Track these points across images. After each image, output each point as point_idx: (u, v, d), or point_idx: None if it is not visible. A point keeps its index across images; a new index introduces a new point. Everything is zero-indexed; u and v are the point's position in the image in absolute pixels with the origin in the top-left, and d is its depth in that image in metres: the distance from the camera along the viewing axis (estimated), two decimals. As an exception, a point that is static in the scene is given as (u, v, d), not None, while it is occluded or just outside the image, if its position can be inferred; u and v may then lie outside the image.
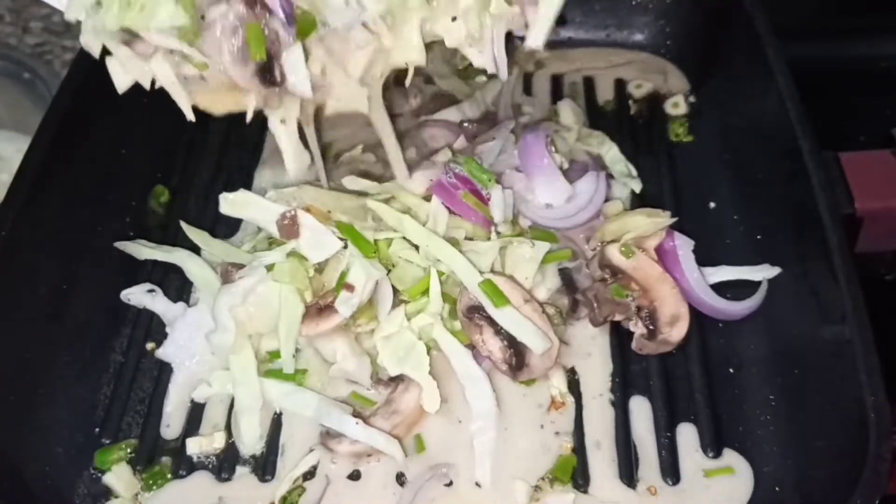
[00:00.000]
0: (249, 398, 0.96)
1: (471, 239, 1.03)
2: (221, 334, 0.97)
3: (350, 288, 0.94)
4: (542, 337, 0.95)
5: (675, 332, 1.02)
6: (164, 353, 1.03)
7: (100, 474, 0.96)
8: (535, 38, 1.00)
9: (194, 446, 0.97)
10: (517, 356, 0.97)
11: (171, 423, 1.00)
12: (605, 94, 1.35)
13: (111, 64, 0.96)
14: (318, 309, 0.97)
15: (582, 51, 1.41)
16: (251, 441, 0.96)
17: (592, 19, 1.42)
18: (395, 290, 0.99)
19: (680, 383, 1.02)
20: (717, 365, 1.03)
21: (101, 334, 1.09)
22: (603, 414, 0.99)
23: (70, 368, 1.03)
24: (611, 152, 1.20)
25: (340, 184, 1.10)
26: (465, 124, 1.21)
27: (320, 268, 1.00)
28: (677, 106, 1.32)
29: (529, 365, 0.97)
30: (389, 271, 0.99)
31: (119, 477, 0.95)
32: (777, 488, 0.92)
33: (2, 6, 1.65)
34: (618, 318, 1.04)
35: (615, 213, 1.10)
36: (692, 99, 1.33)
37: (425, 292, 0.98)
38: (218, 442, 0.97)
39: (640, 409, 0.99)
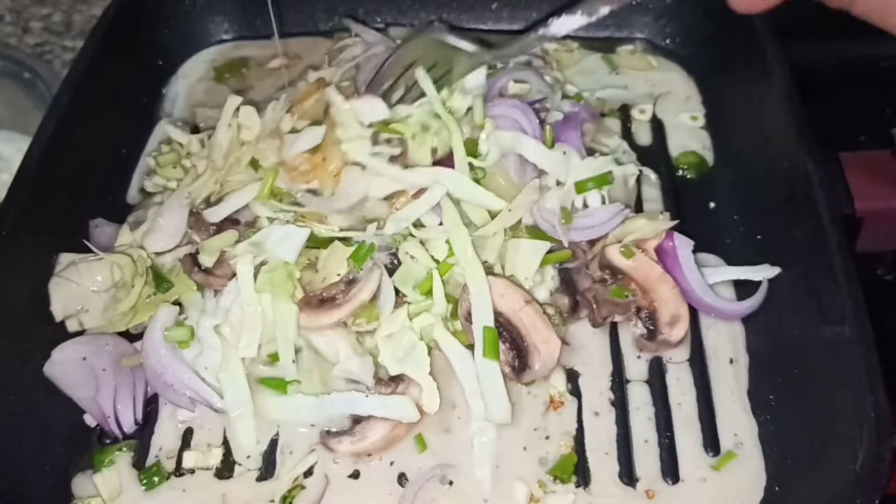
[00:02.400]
0: (241, 408, 0.96)
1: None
2: (208, 355, 0.97)
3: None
4: (503, 407, 0.94)
5: (675, 332, 1.02)
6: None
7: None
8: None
9: (190, 460, 0.96)
10: (520, 358, 0.97)
11: (164, 445, 0.98)
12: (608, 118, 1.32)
13: None
14: (320, 300, 0.96)
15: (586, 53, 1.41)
16: (250, 447, 0.96)
17: (593, 19, 1.42)
18: (397, 291, 0.99)
19: (680, 383, 1.02)
20: (717, 365, 1.03)
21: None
22: (603, 414, 0.99)
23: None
24: (621, 149, 1.20)
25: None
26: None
27: (313, 263, 1.01)
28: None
29: (532, 367, 0.97)
30: (392, 272, 0.99)
31: (106, 480, 0.94)
32: (777, 488, 0.92)
33: (2, 6, 1.65)
34: (617, 318, 1.04)
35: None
36: (697, 120, 1.31)
37: (428, 293, 0.98)
38: (214, 458, 0.97)
39: (640, 409, 0.99)
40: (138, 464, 0.96)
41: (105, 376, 0.98)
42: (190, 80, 1.39)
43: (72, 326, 1.03)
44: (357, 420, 0.95)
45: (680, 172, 1.23)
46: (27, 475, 0.92)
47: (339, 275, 0.98)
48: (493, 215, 1.03)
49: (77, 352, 1.00)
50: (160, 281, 1.06)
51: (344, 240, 1.02)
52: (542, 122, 1.14)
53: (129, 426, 0.98)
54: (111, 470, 0.95)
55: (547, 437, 0.96)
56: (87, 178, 1.17)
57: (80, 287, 1.03)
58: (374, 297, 0.98)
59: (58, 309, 1.02)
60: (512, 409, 0.94)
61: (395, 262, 1.01)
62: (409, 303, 0.98)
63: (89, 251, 1.07)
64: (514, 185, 1.07)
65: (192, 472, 0.96)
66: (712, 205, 1.20)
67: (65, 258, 1.06)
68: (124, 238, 1.10)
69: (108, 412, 0.97)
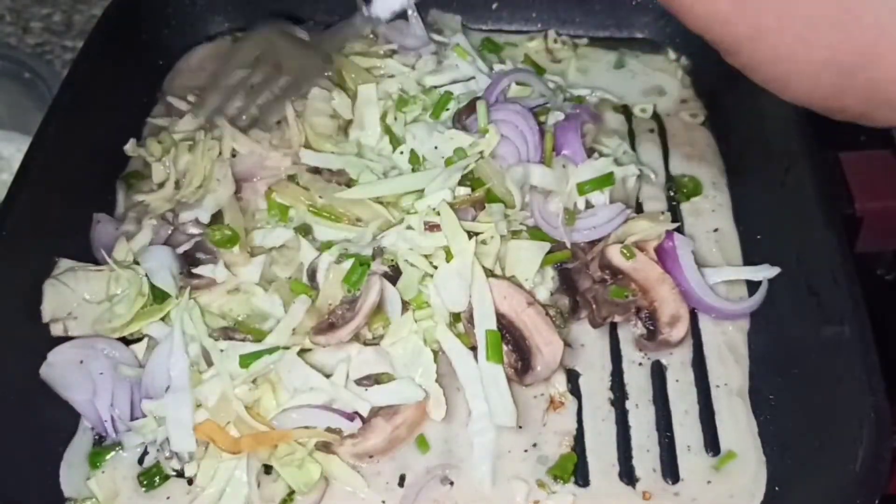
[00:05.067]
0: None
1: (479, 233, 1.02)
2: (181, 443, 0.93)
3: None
4: (508, 410, 0.94)
5: (675, 332, 1.02)
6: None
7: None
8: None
9: (191, 470, 0.94)
10: (523, 360, 0.97)
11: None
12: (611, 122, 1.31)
13: None
14: (330, 324, 0.97)
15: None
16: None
17: (592, 19, 1.42)
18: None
19: (679, 383, 1.02)
20: (717, 365, 1.03)
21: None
22: (603, 414, 0.99)
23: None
24: (622, 150, 1.20)
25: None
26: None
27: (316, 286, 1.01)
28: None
29: (535, 368, 0.97)
30: (395, 280, 0.99)
31: (101, 482, 0.93)
32: (777, 488, 0.92)
33: (2, 6, 1.65)
34: (617, 318, 1.04)
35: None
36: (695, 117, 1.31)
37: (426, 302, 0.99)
38: None
39: (640, 409, 0.99)
40: (140, 463, 0.95)
41: (102, 380, 0.97)
42: (187, 72, 1.39)
43: (55, 330, 1.02)
44: (358, 421, 0.95)
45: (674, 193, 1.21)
46: (24, 476, 0.92)
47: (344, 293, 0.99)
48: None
49: (74, 354, 0.99)
50: (157, 293, 1.03)
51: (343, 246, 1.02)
52: (543, 126, 1.14)
53: (125, 431, 0.96)
54: (107, 472, 0.94)
55: (547, 437, 0.96)
56: (87, 178, 1.17)
57: (75, 293, 1.02)
58: (381, 304, 0.98)
59: (47, 311, 1.01)
60: (517, 412, 0.94)
61: (395, 266, 1.01)
62: (413, 308, 0.98)
63: (90, 254, 1.07)
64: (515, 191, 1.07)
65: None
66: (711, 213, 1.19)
67: (64, 263, 1.05)
68: (120, 250, 1.08)
69: (105, 416, 0.96)
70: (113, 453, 0.96)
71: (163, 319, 1.02)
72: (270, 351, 0.94)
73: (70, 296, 1.02)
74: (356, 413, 0.93)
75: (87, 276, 1.03)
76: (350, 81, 1.21)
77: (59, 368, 0.98)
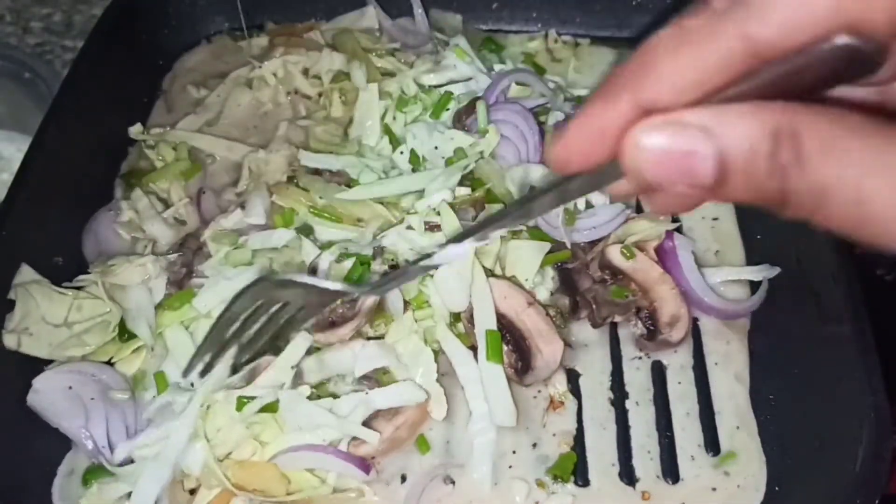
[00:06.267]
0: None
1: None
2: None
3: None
4: (508, 410, 0.94)
5: (675, 332, 1.02)
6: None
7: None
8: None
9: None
10: (522, 360, 0.97)
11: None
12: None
13: None
14: (331, 322, 0.97)
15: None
16: None
17: (593, 19, 1.42)
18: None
19: (680, 383, 1.02)
20: (717, 365, 1.03)
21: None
22: (602, 414, 0.99)
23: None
24: None
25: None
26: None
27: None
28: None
29: (535, 368, 0.97)
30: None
31: (90, 501, 0.91)
32: (777, 488, 0.92)
33: (2, 6, 1.65)
34: (617, 318, 1.04)
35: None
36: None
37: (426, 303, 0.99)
38: None
39: (640, 409, 0.99)
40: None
41: (94, 406, 0.94)
42: (187, 72, 1.39)
43: (9, 342, 0.97)
44: (359, 422, 0.94)
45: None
46: (31, 481, 0.92)
47: None
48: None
49: (61, 381, 0.95)
50: (122, 331, 1.00)
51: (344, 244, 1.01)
52: (543, 126, 1.14)
53: (123, 456, 0.92)
54: (91, 492, 0.92)
55: (547, 437, 0.96)
56: (87, 178, 1.17)
57: (38, 309, 0.98)
58: (383, 301, 0.98)
59: (17, 316, 0.98)
60: (517, 413, 0.94)
61: (395, 266, 1.01)
62: (413, 308, 0.98)
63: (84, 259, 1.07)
64: (515, 191, 1.07)
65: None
66: (712, 204, 1.20)
67: (27, 271, 1.01)
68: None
69: (102, 443, 0.92)
70: (108, 477, 0.92)
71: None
72: (270, 407, 0.91)
73: (34, 310, 0.98)
74: (369, 460, 0.91)
75: (50, 294, 1.00)
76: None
77: (46, 395, 0.94)
